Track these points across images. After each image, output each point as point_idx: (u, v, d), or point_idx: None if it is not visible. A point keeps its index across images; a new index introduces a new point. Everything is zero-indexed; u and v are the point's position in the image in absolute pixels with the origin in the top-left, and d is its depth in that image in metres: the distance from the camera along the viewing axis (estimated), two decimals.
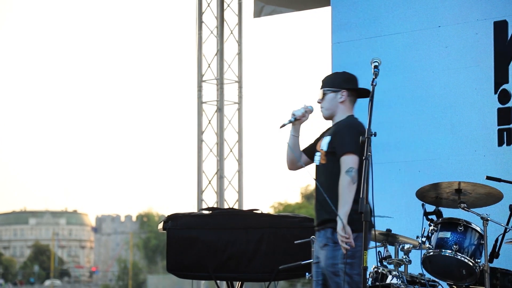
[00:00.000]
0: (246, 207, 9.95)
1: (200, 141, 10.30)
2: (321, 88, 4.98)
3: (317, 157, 4.91)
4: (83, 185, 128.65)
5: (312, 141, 5.06)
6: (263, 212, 7.32)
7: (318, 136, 5.06)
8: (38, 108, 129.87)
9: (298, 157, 4.96)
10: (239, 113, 10.38)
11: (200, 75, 10.38)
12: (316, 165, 4.91)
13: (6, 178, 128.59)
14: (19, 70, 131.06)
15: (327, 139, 4.86)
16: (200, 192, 10.21)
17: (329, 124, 5.03)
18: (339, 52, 8.34)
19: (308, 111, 4.95)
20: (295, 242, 6.47)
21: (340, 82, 4.96)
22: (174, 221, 6.93)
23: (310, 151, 5.00)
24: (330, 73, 5.13)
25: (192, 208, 10.19)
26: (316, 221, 4.87)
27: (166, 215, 7.09)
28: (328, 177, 4.79)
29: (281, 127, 4.89)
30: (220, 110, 10.29)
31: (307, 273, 6.21)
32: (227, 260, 6.85)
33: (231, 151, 10.30)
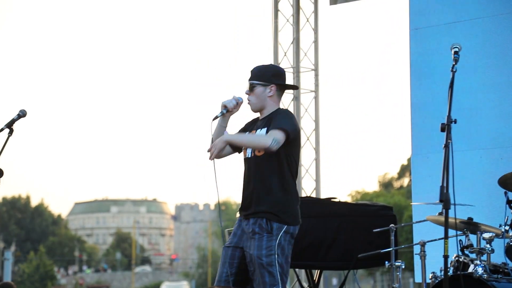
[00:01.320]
0: (323, 195, 9.94)
1: None
2: (249, 80, 5.00)
3: (248, 149, 4.93)
4: (163, 174, 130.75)
5: (236, 132, 5.08)
6: (341, 200, 7.30)
7: (242, 127, 5.12)
8: (112, 100, 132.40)
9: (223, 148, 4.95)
10: (316, 101, 10.36)
11: (276, 64, 10.39)
12: (248, 157, 4.94)
13: (89, 168, 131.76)
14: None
15: (263, 131, 4.88)
16: None
17: (252, 115, 5.09)
18: (418, 39, 8.22)
19: (239, 103, 4.98)
20: (373, 230, 6.43)
21: (269, 77, 4.98)
22: None
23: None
24: (259, 64, 5.12)
25: None
26: (246, 210, 4.91)
27: None
28: (263, 168, 4.84)
29: (213, 119, 4.92)
30: (296, 98, 10.28)
31: (386, 262, 6.18)
32: (305, 248, 6.85)
33: (308, 139, 10.29)
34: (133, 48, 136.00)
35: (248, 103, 5.01)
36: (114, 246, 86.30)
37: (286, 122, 4.81)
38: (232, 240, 5.00)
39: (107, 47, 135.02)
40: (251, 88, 4.98)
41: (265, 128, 4.88)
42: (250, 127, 5.07)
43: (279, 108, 5.04)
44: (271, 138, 4.70)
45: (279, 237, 4.84)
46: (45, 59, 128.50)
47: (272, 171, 4.83)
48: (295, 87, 4.88)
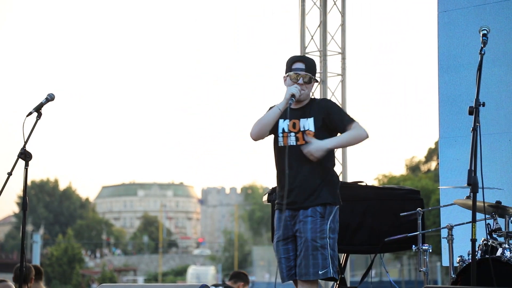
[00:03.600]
0: (350, 179, 9.92)
1: None
2: (307, 72, 5.04)
3: (292, 137, 4.99)
4: (189, 158, 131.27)
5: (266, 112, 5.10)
6: (367, 184, 7.29)
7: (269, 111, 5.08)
8: (139, 85, 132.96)
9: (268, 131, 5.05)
10: (343, 85, 10.32)
11: (303, 47, 10.37)
12: (290, 145, 4.98)
13: (116, 152, 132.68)
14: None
15: (310, 121, 4.99)
16: None
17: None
18: (446, 21, 8.16)
19: (299, 89, 5.01)
20: (400, 214, 6.42)
21: (315, 71, 5.16)
22: None
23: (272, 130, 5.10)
24: (309, 57, 5.26)
25: None
26: (295, 196, 4.95)
27: (270, 187, 7.14)
28: (306, 157, 4.92)
29: (289, 106, 4.93)
30: (323, 82, 10.25)
31: (413, 245, 6.17)
32: None
33: None
34: (153, 36, 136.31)
35: (300, 92, 5.00)
36: (141, 229, 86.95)
37: (345, 112, 5.07)
38: (279, 234, 5.07)
39: (120, 40, 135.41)
40: (309, 80, 5.05)
41: (312, 118, 4.99)
42: (285, 114, 5.03)
43: (313, 98, 5.22)
44: (362, 129, 4.92)
45: (329, 220, 4.96)
46: (68, 42, 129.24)
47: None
48: None
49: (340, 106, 5.13)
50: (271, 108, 5.06)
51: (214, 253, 79.91)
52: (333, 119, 4.97)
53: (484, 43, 4.52)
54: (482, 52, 4.49)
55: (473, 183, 4.20)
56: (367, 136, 4.92)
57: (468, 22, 7.75)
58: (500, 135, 7.28)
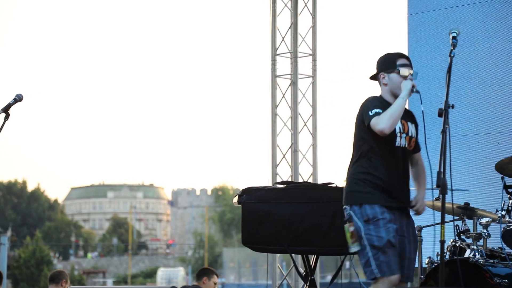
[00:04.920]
0: (320, 181, 9.93)
1: (274, 115, 10.30)
2: (411, 68, 4.94)
3: (403, 139, 4.86)
4: (160, 159, 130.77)
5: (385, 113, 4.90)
6: (337, 185, 7.30)
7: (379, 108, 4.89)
8: (118, 85, 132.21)
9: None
10: (313, 87, 10.33)
11: (274, 49, 10.35)
12: (401, 147, 4.85)
13: (85, 153, 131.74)
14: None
15: (413, 127, 4.98)
16: (274, 166, 10.23)
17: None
18: (416, 23, 8.22)
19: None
20: None
21: None
22: (249, 195, 6.97)
23: None
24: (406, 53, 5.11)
25: (267, 182, 10.23)
26: (403, 200, 4.87)
27: (241, 189, 7.14)
28: (407, 164, 4.93)
29: (417, 91, 4.85)
30: (294, 83, 10.25)
31: None
32: (302, 233, 6.85)
33: (305, 124, 10.28)
34: (131, 39, 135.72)
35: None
36: (111, 231, 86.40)
37: None
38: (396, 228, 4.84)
39: (102, 41, 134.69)
40: (415, 76, 4.93)
41: (413, 125, 5.00)
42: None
43: None
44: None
45: None
46: (42, 46, 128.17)
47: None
48: None
49: None
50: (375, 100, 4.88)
51: (184, 254, 79.65)
52: (417, 135, 5.03)
53: (454, 45, 4.55)
54: (452, 55, 4.52)
55: (442, 184, 4.22)
56: None
57: (438, 24, 7.82)
58: (469, 137, 7.34)
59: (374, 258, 4.76)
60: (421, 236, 6.04)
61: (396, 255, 4.77)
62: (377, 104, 4.82)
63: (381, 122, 4.68)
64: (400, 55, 4.98)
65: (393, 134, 4.79)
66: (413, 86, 4.80)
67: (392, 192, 4.79)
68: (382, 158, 4.79)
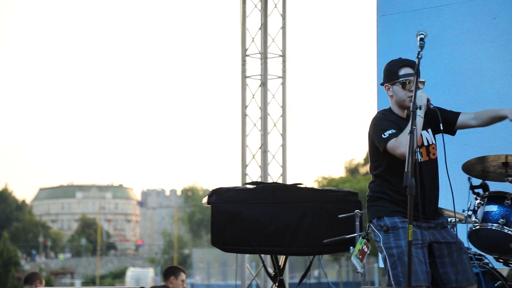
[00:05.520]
0: (290, 181, 9.96)
1: (244, 115, 10.30)
2: (419, 76, 4.53)
3: (418, 154, 4.57)
4: (129, 159, 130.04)
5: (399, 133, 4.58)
6: (307, 186, 7.32)
7: (389, 124, 4.64)
8: (88, 89, 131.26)
9: None
10: (283, 88, 10.35)
11: (244, 50, 10.36)
12: (416, 162, 4.48)
13: (54, 153, 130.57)
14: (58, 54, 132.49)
15: (430, 132, 4.73)
16: (244, 166, 10.24)
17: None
18: (385, 25, 8.26)
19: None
20: (339, 216, 6.46)
21: None
22: (218, 195, 6.97)
23: None
24: (413, 60, 4.69)
25: (236, 183, 10.24)
26: (432, 211, 4.71)
27: (211, 190, 7.13)
28: (433, 171, 4.75)
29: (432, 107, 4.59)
30: (264, 84, 10.26)
31: (351, 247, 6.21)
32: (271, 234, 6.87)
33: (275, 125, 10.29)
34: (106, 40, 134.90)
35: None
36: (79, 232, 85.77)
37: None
38: (417, 238, 4.56)
39: (87, 41, 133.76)
40: (422, 84, 4.60)
41: (430, 129, 4.74)
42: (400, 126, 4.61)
43: None
44: None
45: None
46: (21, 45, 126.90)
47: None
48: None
49: None
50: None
51: (153, 255, 79.30)
52: (446, 116, 4.69)
53: (421, 47, 4.57)
54: (419, 56, 4.53)
55: (409, 185, 4.24)
56: None
57: (406, 26, 7.86)
58: (436, 138, 7.39)
59: (392, 268, 4.58)
60: None
61: (421, 263, 4.53)
62: (387, 124, 4.56)
63: (401, 146, 4.41)
64: (403, 64, 4.70)
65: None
66: (428, 101, 4.55)
67: (422, 206, 4.55)
68: (398, 176, 4.46)
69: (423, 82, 4.60)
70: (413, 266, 4.43)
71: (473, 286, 4.61)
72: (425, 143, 4.70)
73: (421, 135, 4.63)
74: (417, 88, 4.51)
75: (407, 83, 4.63)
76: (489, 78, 7.27)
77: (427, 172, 4.68)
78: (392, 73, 4.70)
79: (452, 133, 4.83)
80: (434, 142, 4.74)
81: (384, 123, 4.60)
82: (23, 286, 7.78)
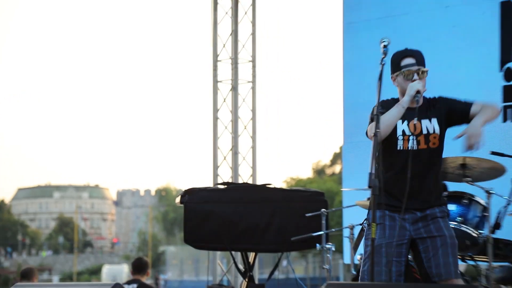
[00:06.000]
0: (259, 182, 9.95)
1: (215, 118, 10.28)
2: (418, 65, 4.56)
3: (411, 141, 4.47)
4: (105, 160, 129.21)
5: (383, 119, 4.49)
6: (275, 186, 7.32)
7: (380, 111, 4.47)
8: (65, 90, 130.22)
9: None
10: (253, 92, 10.33)
11: (215, 55, 10.33)
12: (406, 151, 4.45)
13: (32, 154, 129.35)
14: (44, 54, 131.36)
15: (434, 121, 4.51)
16: (215, 167, 10.21)
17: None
18: (351, 32, 8.29)
19: (424, 85, 4.57)
20: (306, 215, 6.47)
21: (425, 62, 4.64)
22: (191, 195, 6.95)
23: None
24: (415, 49, 4.71)
25: (208, 183, 10.20)
26: (423, 201, 4.47)
27: (184, 190, 7.10)
28: (431, 163, 4.48)
29: (417, 105, 4.45)
30: (234, 88, 10.24)
31: (317, 244, 6.22)
32: (241, 232, 6.85)
33: (245, 128, 10.28)
34: (93, 38, 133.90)
35: (425, 89, 4.56)
36: (57, 230, 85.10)
37: (463, 99, 4.57)
38: (393, 236, 4.44)
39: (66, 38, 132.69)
40: (423, 73, 4.55)
41: (435, 119, 4.51)
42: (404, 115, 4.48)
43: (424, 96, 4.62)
44: (492, 103, 4.44)
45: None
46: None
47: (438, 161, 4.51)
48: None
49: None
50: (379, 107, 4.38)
51: (128, 252, 78.86)
52: (456, 107, 4.50)
53: (385, 53, 4.57)
54: (383, 62, 4.54)
55: (373, 185, 4.24)
56: (500, 109, 4.44)
57: (371, 33, 7.89)
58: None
59: (362, 264, 4.49)
60: (353, 234, 6.08)
61: (388, 264, 4.41)
62: (380, 109, 4.38)
63: (370, 131, 4.38)
64: (406, 54, 4.62)
65: (393, 139, 4.50)
66: (417, 92, 4.47)
67: (397, 196, 4.45)
68: (384, 164, 4.43)
69: (424, 72, 4.56)
70: (379, 266, 4.37)
71: (453, 280, 4.40)
72: (424, 132, 4.50)
73: (420, 123, 4.49)
74: (380, 92, 4.52)
75: (408, 73, 4.55)
76: (449, 85, 7.31)
77: (423, 160, 4.47)
78: (395, 64, 4.63)
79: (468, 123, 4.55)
80: (436, 131, 4.50)
81: (378, 108, 4.41)
82: (20, 280, 7.71)
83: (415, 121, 4.43)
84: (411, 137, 4.48)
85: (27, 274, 7.76)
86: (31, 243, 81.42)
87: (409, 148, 4.47)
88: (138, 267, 7.66)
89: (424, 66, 4.60)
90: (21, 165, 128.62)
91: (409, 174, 4.30)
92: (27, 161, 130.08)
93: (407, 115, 4.46)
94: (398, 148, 4.49)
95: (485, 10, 7.45)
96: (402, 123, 4.51)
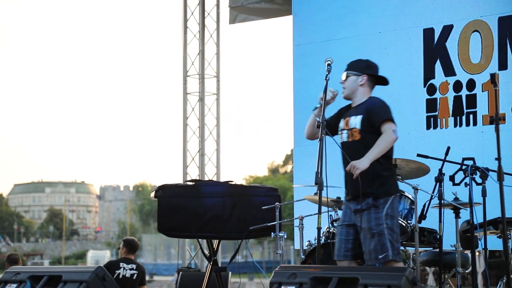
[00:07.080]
0: (223, 179, 9.92)
1: (185, 125, 10.25)
2: (345, 71, 4.68)
3: (345, 134, 4.57)
4: (90, 160, 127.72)
5: (332, 115, 4.71)
6: (236, 183, 7.29)
7: (336, 112, 4.72)
8: (55, 92, 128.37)
9: (315, 132, 4.55)
10: (217, 103, 10.33)
11: (185, 71, 10.32)
12: (343, 142, 4.59)
13: (26, 154, 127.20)
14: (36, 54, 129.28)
15: (358, 118, 4.53)
16: (185, 167, 10.18)
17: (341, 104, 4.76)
18: (299, 52, 8.32)
19: (335, 94, 4.63)
20: (262, 207, 6.46)
21: (362, 68, 4.67)
22: (164, 191, 6.88)
23: (332, 128, 4.66)
24: (355, 59, 4.80)
25: (179, 180, 10.15)
26: (352, 193, 4.52)
27: (158, 186, 7.03)
28: (358, 151, 4.44)
29: (313, 110, 4.62)
30: (201, 100, 10.23)
31: (272, 233, 6.20)
32: (207, 222, 6.80)
33: (210, 133, 10.27)
34: (67, 42, 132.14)
35: (342, 90, 4.65)
36: (48, 220, 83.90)
37: (387, 111, 4.51)
38: (344, 219, 4.61)
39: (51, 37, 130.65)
40: (346, 77, 4.65)
41: (360, 116, 4.51)
42: (344, 113, 4.66)
43: (371, 96, 4.65)
44: (391, 132, 4.37)
45: (385, 208, 4.43)
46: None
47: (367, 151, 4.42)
48: (385, 81, 4.70)
49: (387, 106, 4.53)
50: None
51: (110, 239, 78.05)
52: (372, 116, 4.48)
53: (329, 70, 4.63)
54: (327, 78, 4.59)
55: (319, 182, 4.25)
56: (395, 139, 4.40)
57: (316, 54, 7.93)
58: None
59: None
60: (302, 224, 6.08)
61: (340, 242, 4.54)
62: (324, 118, 4.50)
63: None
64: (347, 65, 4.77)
65: (337, 132, 4.65)
66: (320, 99, 4.58)
67: (345, 184, 4.59)
68: (341, 155, 4.59)
69: (343, 79, 4.68)
70: (337, 244, 4.57)
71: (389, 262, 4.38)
72: (351, 127, 4.57)
73: (350, 118, 4.58)
74: (325, 102, 4.55)
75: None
76: (382, 98, 7.37)
77: (352, 152, 4.51)
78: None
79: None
80: (357, 127, 4.52)
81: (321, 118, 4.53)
82: (8, 266, 7.33)
83: (349, 117, 4.59)
84: (343, 132, 4.63)
85: (16, 260, 7.53)
86: (25, 231, 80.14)
87: (344, 140, 4.62)
88: (134, 247, 7.54)
89: (353, 70, 4.69)
90: (18, 163, 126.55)
91: (343, 166, 4.53)
92: (23, 160, 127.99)
93: (347, 113, 4.65)
94: (341, 141, 4.65)
95: (411, 36, 7.55)
96: (343, 120, 4.64)
